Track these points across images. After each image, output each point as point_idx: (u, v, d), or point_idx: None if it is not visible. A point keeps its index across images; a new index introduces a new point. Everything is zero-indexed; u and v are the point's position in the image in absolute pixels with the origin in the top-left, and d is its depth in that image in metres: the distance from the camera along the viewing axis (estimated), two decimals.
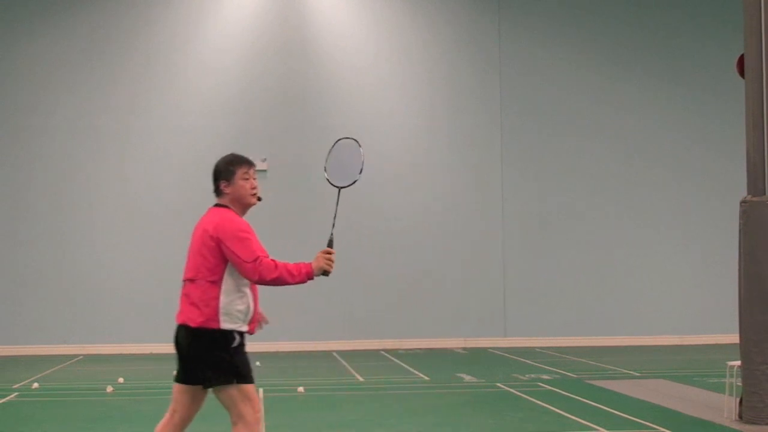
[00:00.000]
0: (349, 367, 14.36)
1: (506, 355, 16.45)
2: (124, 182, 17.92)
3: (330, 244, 5.51)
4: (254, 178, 5.56)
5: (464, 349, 17.74)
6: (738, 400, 9.17)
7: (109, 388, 11.81)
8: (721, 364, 11.03)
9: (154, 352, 16.74)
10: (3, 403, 10.87)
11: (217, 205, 5.55)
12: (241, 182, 5.50)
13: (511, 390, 11.59)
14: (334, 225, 5.65)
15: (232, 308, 5.32)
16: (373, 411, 10.05)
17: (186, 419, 5.52)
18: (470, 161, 18.54)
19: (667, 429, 8.71)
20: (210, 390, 5.39)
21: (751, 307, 8.93)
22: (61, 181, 17.82)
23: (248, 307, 5.40)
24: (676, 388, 11.66)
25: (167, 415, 5.49)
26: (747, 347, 8.93)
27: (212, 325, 5.28)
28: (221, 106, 18.07)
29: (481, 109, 18.59)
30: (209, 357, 5.29)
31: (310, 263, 5.41)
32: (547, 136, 18.70)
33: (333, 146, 5.87)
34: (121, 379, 12.76)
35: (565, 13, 19.00)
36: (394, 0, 18.67)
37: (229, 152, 5.71)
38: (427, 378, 13.07)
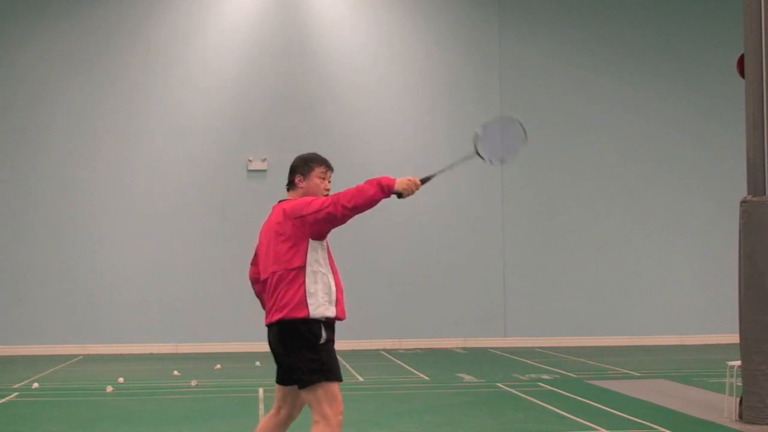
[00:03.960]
0: (349, 367, 14.33)
1: (506, 355, 16.44)
2: (124, 183, 17.92)
3: (425, 180, 5.40)
4: (329, 181, 5.48)
5: (464, 349, 17.74)
6: (738, 400, 9.17)
7: (109, 388, 11.81)
8: (721, 364, 11.03)
9: (154, 352, 16.63)
10: (3, 403, 10.87)
11: (284, 200, 5.43)
12: (317, 180, 5.43)
13: (511, 390, 11.58)
14: (443, 171, 5.76)
15: (317, 292, 5.16)
16: (373, 411, 10.04)
17: (291, 416, 5.45)
18: (470, 161, 18.47)
19: (667, 429, 8.70)
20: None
21: (751, 307, 8.92)
22: (61, 182, 17.82)
23: (329, 286, 5.23)
24: (676, 388, 11.65)
25: (272, 411, 5.42)
26: (747, 347, 8.92)
27: (299, 314, 5.11)
28: (221, 106, 18.06)
29: (481, 109, 18.58)
30: (296, 354, 5.13)
31: (394, 179, 5.21)
32: (547, 136, 18.69)
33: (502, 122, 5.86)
34: (121, 379, 12.75)
35: (565, 13, 19.00)
36: (394, 0, 18.68)
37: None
38: (427, 378, 13.06)
